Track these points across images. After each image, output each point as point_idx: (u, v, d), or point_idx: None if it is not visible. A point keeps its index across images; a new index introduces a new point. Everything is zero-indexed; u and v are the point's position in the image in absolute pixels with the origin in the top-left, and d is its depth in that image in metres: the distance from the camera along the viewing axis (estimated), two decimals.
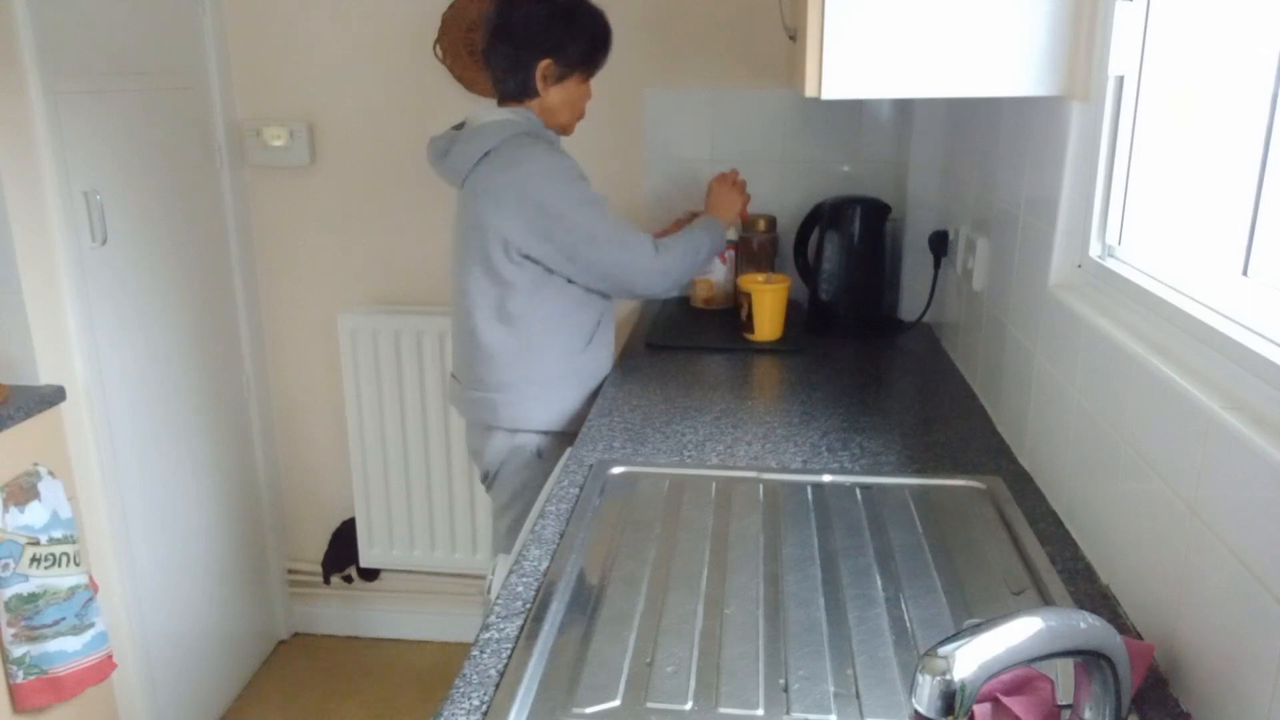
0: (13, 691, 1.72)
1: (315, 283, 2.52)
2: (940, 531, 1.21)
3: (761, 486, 1.35)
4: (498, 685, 0.92)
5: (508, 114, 1.69)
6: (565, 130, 1.77)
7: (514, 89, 1.70)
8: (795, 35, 1.62)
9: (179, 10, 2.20)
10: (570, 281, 1.72)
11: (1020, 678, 0.84)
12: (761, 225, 2.19)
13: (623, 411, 1.63)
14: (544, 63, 1.67)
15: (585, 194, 1.66)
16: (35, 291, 1.82)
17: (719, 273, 2.14)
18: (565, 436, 1.75)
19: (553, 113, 1.73)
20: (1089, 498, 1.14)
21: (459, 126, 1.75)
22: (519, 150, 1.63)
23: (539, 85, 1.69)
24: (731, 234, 2.10)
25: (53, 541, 1.74)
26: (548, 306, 1.72)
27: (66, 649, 1.77)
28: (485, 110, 1.72)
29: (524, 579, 1.12)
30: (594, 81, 1.78)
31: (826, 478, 1.37)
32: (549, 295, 1.71)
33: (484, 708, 0.89)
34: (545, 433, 1.78)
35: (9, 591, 1.68)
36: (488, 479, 1.85)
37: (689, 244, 1.77)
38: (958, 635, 0.64)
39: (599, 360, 1.82)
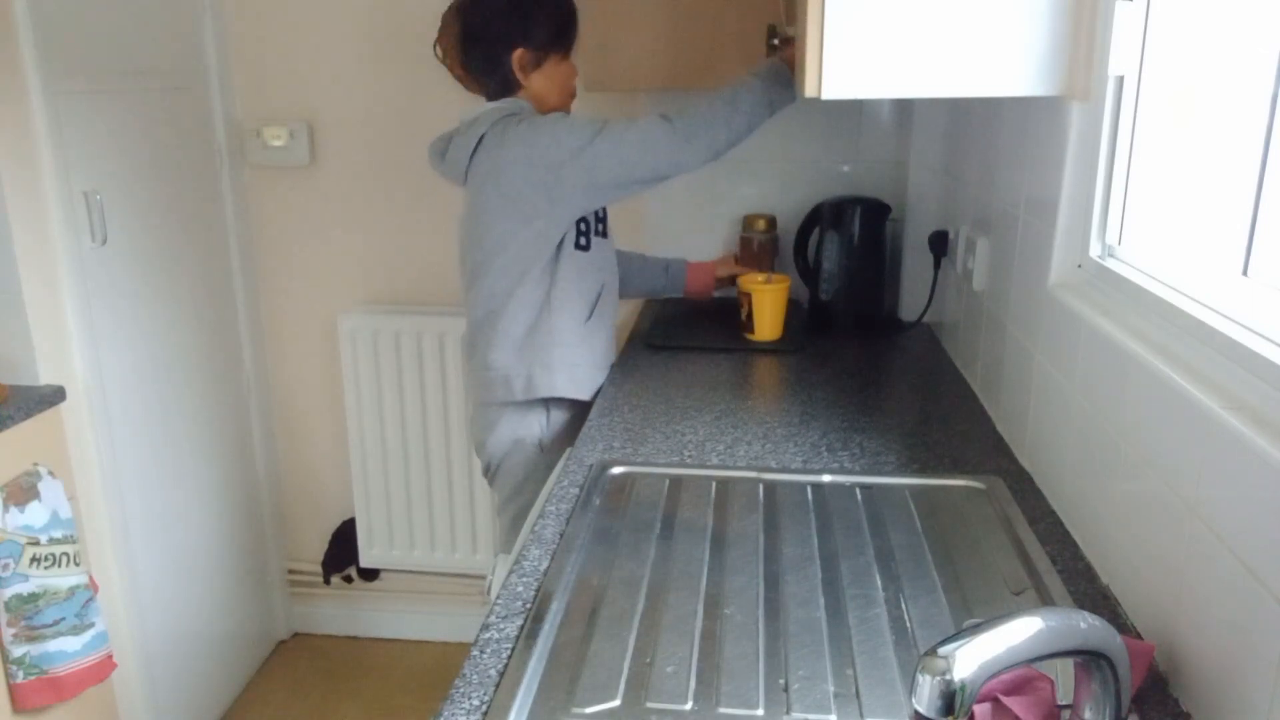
0: (13, 691, 1.72)
1: (315, 283, 2.52)
2: (940, 531, 1.21)
3: (761, 486, 1.35)
4: (498, 685, 0.92)
5: (501, 103, 1.70)
6: (566, 107, 1.76)
7: (498, 87, 1.71)
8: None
9: (179, 10, 2.20)
10: (579, 248, 1.72)
11: (1020, 678, 0.84)
12: (761, 225, 2.19)
13: (623, 411, 1.63)
14: (516, 53, 1.66)
15: (574, 121, 1.64)
16: (35, 291, 1.82)
17: None
18: (569, 427, 1.77)
19: (542, 99, 1.72)
20: (1089, 498, 1.14)
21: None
22: (509, 128, 1.64)
23: (519, 76, 1.69)
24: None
25: (53, 541, 1.74)
26: (555, 277, 1.72)
27: (66, 649, 1.77)
28: (481, 106, 1.73)
29: (524, 579, 1.12)
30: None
31: (826, 478, 1.37)
32: (558, 267, 1.72)
33: (484, 708, 0.89)
34: (553, 406, 1.77)
35: (9, 591, 1.68)
36: (489, 472, 1.86)
37: (718, 101, 1.63)
38: (958, 635, 0.64)
39: (602, 333, 1.82)
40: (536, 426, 1.78)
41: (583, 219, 1.72)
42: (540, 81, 1.70)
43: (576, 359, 1.77)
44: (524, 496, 1.80)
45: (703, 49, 1.97)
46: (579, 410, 1.77)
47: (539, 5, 1.67)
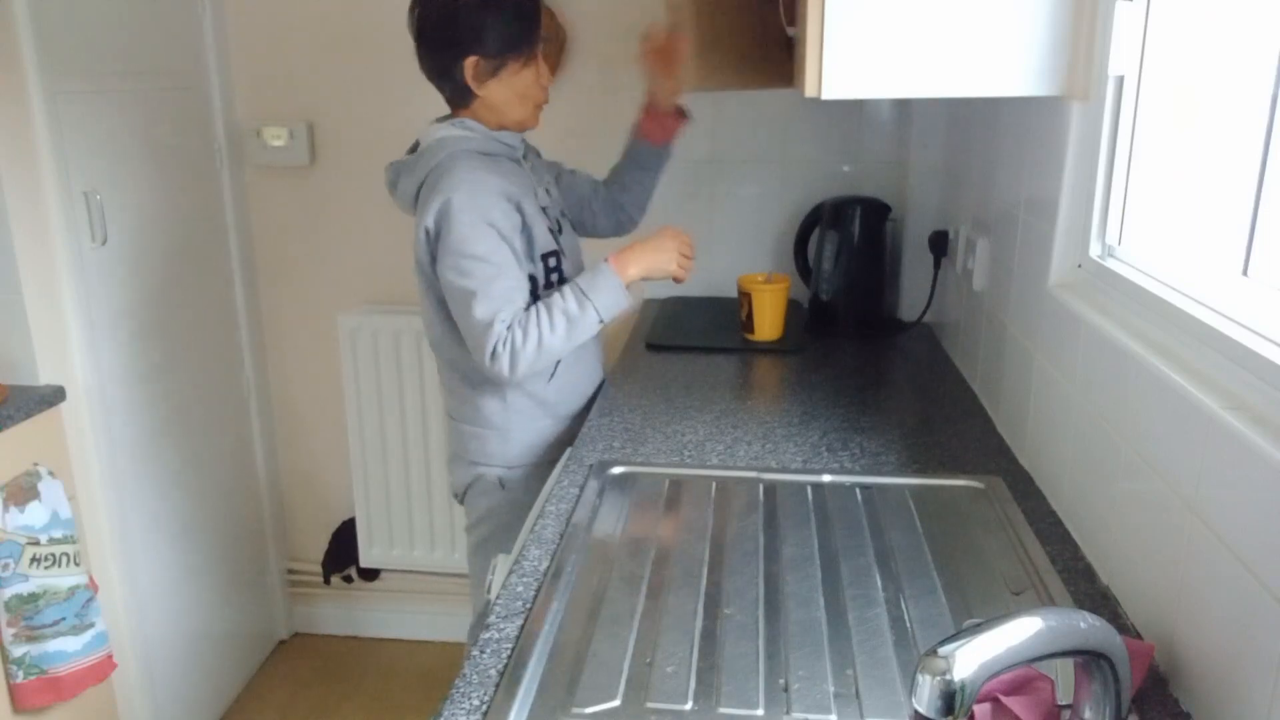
0: (13, 691, 1.72)
1: (315, 283, 2.52)
2: (940, 531, 1.21)
3: (761, 486, 1.35)
4: (498, 685, 0.92)
5: (447, 130, 1.56)
6: (524, 124, 1.61)
7: (451, 96, 1.58)
8: (795, 37, 1.63)
9: (179, 10, 2.20)
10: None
11: (1020, 678, 0.84)
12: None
13: (623, 411, 1.63)
14: (468, 61, 1.51)
15: (479, 240, 1.48)
16: (35, 291, 1.82)
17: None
18: (530, 473, 1.68)
19: (500, 111, 1.57)
20: (1089, 498, 1.14)
21: (414, 149, 1.63)
22: (444, 181, 1.49)
23: (473, 86, 1.53)
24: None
25: (53, 541, 1.74)
26: None
27: (66, 649, 1.77)
28: (431, 127, 1.60)
29: (524, 579, 1.12)
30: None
31: (826, 478, 1.37)
32: None
33: (484, 708, 0.89)
34: (508, 466, 1.70)
35: (9, 591, 1.68)
36: (457, 497, 1.80)
37: (556, 323, 1.48)
38: (958, 635, 0.64)
39: (571, 389, 1.70)
40: (496, 469, 1.70)
41: (529, 278, 1.56)
42: (498, 91, 1.54)
43: (530, 425, 1.67)
44: (485, 527, 1.73)
45: (701, 49, 1.96)
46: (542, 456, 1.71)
47: (491, 8, 1.50)
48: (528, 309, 1.51)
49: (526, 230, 1.56)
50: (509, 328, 1.48)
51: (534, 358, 1.49)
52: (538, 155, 1.78)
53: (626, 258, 1.55)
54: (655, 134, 1.80)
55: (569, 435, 1.69)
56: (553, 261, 1.61)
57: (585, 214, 1.86)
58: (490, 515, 1.73)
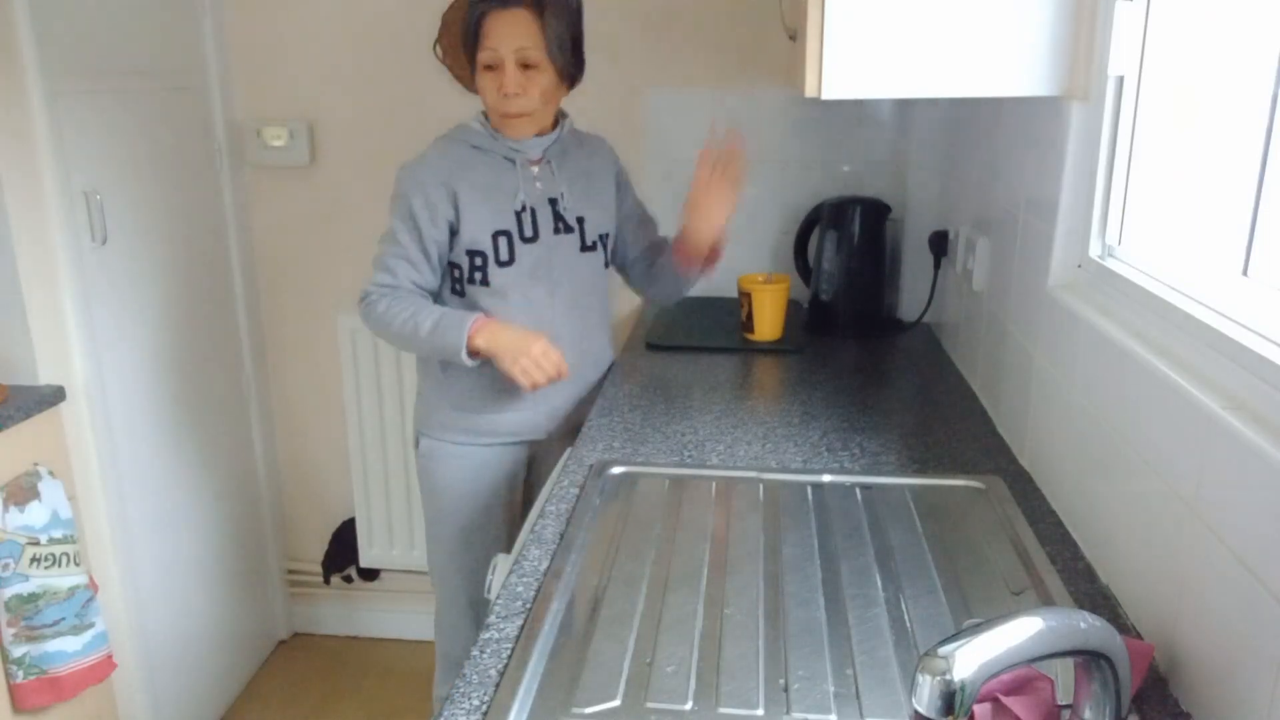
0: (13, 691, 1.72)
1: (315, 283, 2.52)
2: (940, 531, 1.21)
3: (761, 486, 1.35)
4: (498, 685, 0.92)
5: (464, 120, 1.71)
6: (500, 128, 1.66)
7: None
8: (795, 35, 1.62)
9: (179, 10, 2.20)
10: (454, 293, 1.70)
11: (1020, 678, 0.84)
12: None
13: (623, 411, 1.63)
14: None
15: (397, 212, 1.64)
16: (35, 291, 1.82)
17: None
18: (434, 442, 1.80)
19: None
20: (1089, 498, 1.14)
21: None
22: (413, 158, 1.68)
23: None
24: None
25: (53, 541, 1.74)
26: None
27: (66, 649, 1.77)
28: None
29: (524, 579, 1.12)
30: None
31: (826, 478, 1.37)
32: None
33: (484, 708, 0.89)
34: (421, 428, 1.84)
35: (9, 591, 1.68)
36: None
37: (407, 324, 1.60)
38: (958, 635, 0.64)
39: (478, 389, 1.71)
40: (420, 426, 1.84)
41: (455, 265, 1.66)
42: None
43: (431, 399, 1.79)
44: (421, 489, 1.88)
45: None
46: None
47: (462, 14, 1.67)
48: (409, 294, 1.63)
49: (456, 222, 1.64)
50: (375, 289, 1.64)
51: (378, 328, 1.65)
52: (616, 169, 1.82)
53: (487, 329, 1.58)
54: (684, 266, 1.77)
55: (474, 431, 1.76)
56: (479, 260, 1.65)
57: (622, 258, 1.87)
58: (420, 481, 1.86)
